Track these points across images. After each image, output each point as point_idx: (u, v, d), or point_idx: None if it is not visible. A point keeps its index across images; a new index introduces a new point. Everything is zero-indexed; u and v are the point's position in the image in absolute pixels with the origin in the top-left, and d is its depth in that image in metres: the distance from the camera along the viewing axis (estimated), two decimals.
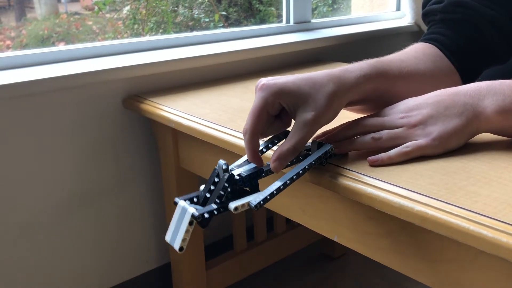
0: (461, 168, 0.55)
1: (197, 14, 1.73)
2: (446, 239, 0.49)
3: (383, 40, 1.51)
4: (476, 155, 0.58)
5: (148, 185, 1.10)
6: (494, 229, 0.44)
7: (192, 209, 0.50)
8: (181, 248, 0.50)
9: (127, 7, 1.62)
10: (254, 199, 0.51)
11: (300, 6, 1.37)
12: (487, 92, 0.57)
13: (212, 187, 0.52)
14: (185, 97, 0.97)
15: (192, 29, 1.71)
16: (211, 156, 0.86)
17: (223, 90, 1.02)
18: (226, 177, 0.51)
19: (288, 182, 0.54)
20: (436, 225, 0.47)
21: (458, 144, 0.58)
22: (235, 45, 1.17)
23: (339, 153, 0.60)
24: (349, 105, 0.61)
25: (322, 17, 1.96)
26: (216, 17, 1.70)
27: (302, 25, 1.38)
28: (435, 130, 0.57)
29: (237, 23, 1.77)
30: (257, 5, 1.83)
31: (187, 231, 0.50)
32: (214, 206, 0.51)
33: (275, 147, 0.61)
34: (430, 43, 0.71)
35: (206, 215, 0.50)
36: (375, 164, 0.57)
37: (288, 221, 1.33)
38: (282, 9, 1.38)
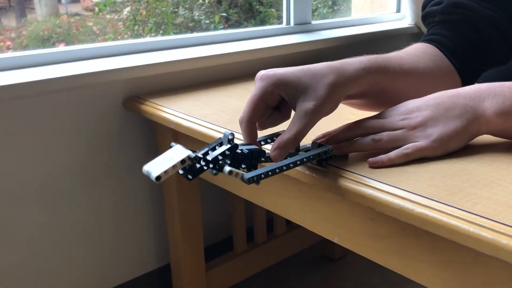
0: (461, 170, 0.55)
1: (197, 15, 1.73)
2: (446, 241, 0.49)
3: (383, 41, 1.51)
4: (476, 157, 0.58)
5: (148, 187, 1.10)
6: (494, 231, 0.44)
7: (189, 151, 0.47)
8: (158, 177, 0.46)
9: (128, 8, 1.62)
10: (248, 173, 0.50)
11: (300, 8, 1.37)
12: (487, 94, 0.57)
13: (210, 152, 0.51)
14: (185, 98, 0.97)
15: (192, 30, 1.72)
16: None
17: (223, 91, 1.02)
18: (230, 145, 0.50)
19: (284, 168, 0.53)
20: (436, 227, 0.47)
21: (458, 146, 0.58)
22: (235, 47, 1.17)
23: (339, 155, 0.60)
24: (349, 98, 0.61)
25: (322, 18, 1.96)
26: (217, 18, 1.70)
27: (302, 26, 1.38)
28: (435, 132, 0.57)
29: (238, 24, 1.77)
30: (257, 7, 1.83)
31: (174, 166, 0.46)
32: (210, 160, 0.49)
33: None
34: (430, 44, 0.71)
35: (202, 163, 0.48)
36: (375, 166, 0.57)
37: (288, 222, 1.33)
38: (282, 11, 1.38)
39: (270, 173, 0.52)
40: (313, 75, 0.57)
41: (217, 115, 0.84)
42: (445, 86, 0.65)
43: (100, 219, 1.05)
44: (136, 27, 1.62)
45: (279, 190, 0.71)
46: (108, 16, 1.59)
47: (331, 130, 0.62)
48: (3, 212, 0.92)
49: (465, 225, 0.45)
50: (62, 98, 0.94)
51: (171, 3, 1.66)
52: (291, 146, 0.55)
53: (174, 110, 0.89)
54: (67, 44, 1.55)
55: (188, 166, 0.48)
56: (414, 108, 0.59)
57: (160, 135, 0.99)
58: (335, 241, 0.65)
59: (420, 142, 0.57)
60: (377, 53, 0.64)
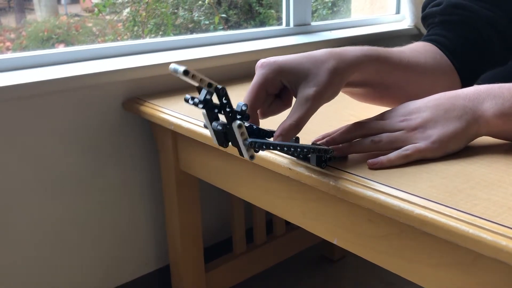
0: (460, 171, 0.55)
1: (197, 16, 1.73)
2: (445, 242, 0.49)
3: (383, 43, 1.51)
4: (476, 158, 0.58)
5: (148, 187, 1.10)
6: (493, 233, 0.44)
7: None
8: (186, 71, 0.51)
9: (127, 9, 1.62)
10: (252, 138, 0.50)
11: (300, 9, 1.37)
12: (486, 95, 0.57)
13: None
14: None
15: (192, 31, 1.72)
16: (210, 158, 0.86)
17: None
18: (241, 115, 0.51)
19: (285, 148, 0.53)
20: (435, 228, 0.47)
21: (457, 147, 0.58)
22: (235, 48, 1.17)
23: (338, 156, 0.60)
24: (349, 85, 0.61)
25: (322, 19, 1.97)
26: (216, 19, 1.71)
27: (302, 27, 1.39)
28: (435, 133, 0.57)
29: (237, 25, 1.77)
30: (257, 8, 1.83)
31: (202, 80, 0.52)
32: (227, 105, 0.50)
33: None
34: (430, 43, 0.71)
35: (223, 101, 0.50)
36: (375, 167, 0.57)
37: (287, 223, 1.33)
38: (282, 12, 1.39)
39: (271, 146, 0.52)
40: (314, 61, 0.56)
41: None
42: (444, 83, 0.65)
43: (100, 220, 1.05)
44: (135, 28, 1.63)
45: (279, 191, 0.71)
46: (107, 17, 1.59)
47: (331, 132, 0.62)
48: (3, 213, 0.92)
49: (464, 227, 0.45)
50: (61, 99, 0.94)
51: (170, 4, 1.66)
52: (294, 133, 0.54)
53: (174, 111, 0.89)
54: (67, 45, 1.55)
55: (208, 99, 0.51)
56: (414, 110, 0.59)
57: (160, 136, 0.99)
58: (335, 242, 0.65)
59: (419, 143, 0.57)
60: None
